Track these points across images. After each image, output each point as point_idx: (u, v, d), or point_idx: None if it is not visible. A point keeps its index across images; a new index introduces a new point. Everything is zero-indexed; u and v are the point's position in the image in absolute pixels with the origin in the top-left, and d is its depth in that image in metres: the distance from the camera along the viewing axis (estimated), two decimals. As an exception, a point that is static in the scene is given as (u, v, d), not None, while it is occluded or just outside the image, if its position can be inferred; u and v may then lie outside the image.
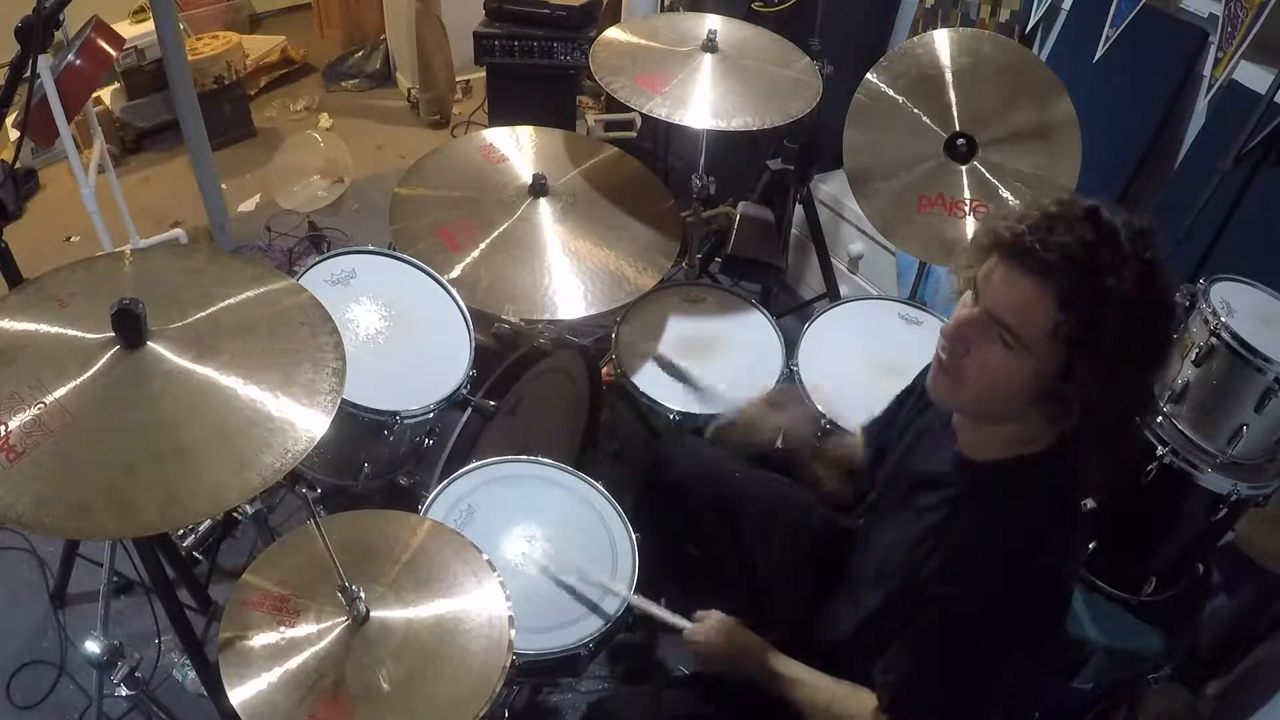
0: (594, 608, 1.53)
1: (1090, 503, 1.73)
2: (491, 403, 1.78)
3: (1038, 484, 1.17)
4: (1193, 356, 1.67)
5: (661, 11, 3.27)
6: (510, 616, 1.31)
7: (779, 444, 2.08)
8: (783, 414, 1.71)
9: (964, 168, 2.02)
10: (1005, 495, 1.17)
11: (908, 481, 1.32)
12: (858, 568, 1.40)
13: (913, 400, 1.45)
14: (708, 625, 1.43)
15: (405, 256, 1.91)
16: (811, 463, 1.67)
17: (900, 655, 1.20)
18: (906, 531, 1.26)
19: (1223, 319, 1.62)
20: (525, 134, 2.25)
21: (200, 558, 2.10)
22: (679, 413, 1.95)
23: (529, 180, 2.05)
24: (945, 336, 1.15)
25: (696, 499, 1.68)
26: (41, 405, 1.10)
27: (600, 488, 1.72)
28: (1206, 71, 2.25)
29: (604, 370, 2.16)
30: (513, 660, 1.27)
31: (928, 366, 1.43)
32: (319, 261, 1.86)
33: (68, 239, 3.32)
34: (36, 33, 1.57)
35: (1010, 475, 1.18)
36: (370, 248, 1.93)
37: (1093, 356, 1.04)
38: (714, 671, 1.43)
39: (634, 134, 2.46)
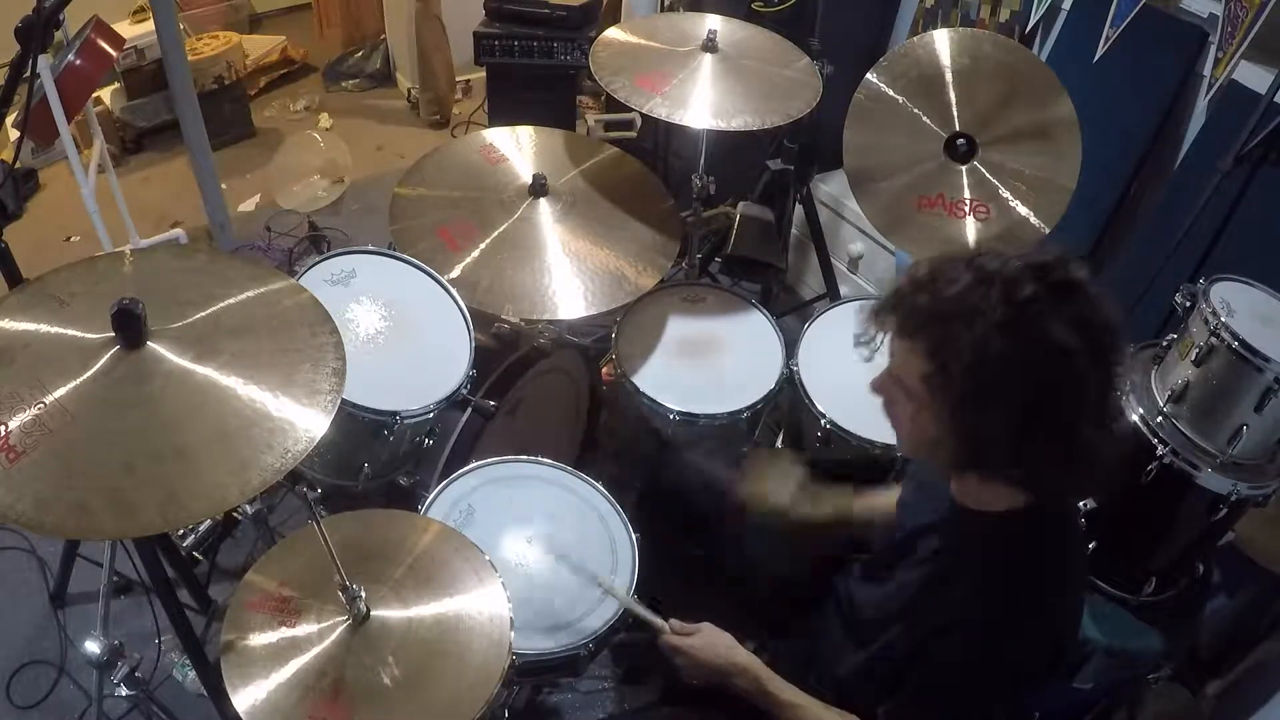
0: (594, 608, 1.53)
1: (1090, 503, 1.74)
2: (491, 403, 1.78)
3: (1033, 541, 1.17)
4: (1193, 356, 1.67)
5: (661, 11, 3.27)
6: (510, 619, 1.31)
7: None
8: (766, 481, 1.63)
9: (964, 168, 2.02)
10: (1003, 554, 1.17)
11: (910, 528, 1.33)
12: (859, 604, 1.40)
13: None
14: (699, 638, 1.41)
15: (405, 256, 1.91)
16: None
17: (901, 705, 1.22)
18: (906, 579, 1.27)
19: (1223, 319, 1.62)
20: (525, 134, 2.25)
21: (200, 558, 2.10)
22: (679, 413, 1.95)
23: (529, 180, 2.05)
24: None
25: (693, 512, 1.68)
26: (41, 405, 1.10)
27: (600, 488, 1.72)
28: (1206, 71, 2.25)
29: (604, 370, 2.16)
30: (513, 660, 1.27)
31: None
32: (319, 261, 1.86)
33: (68, 239, 3.32)
34: (36, 33, 1.57)
35: (1006, 532, 1.18)
36: (370, 248, 1.93)
37: (945, 402, 1.08)
38: (694, 682, 1.42)
39: (634, 134, 2.46)
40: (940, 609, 1.18)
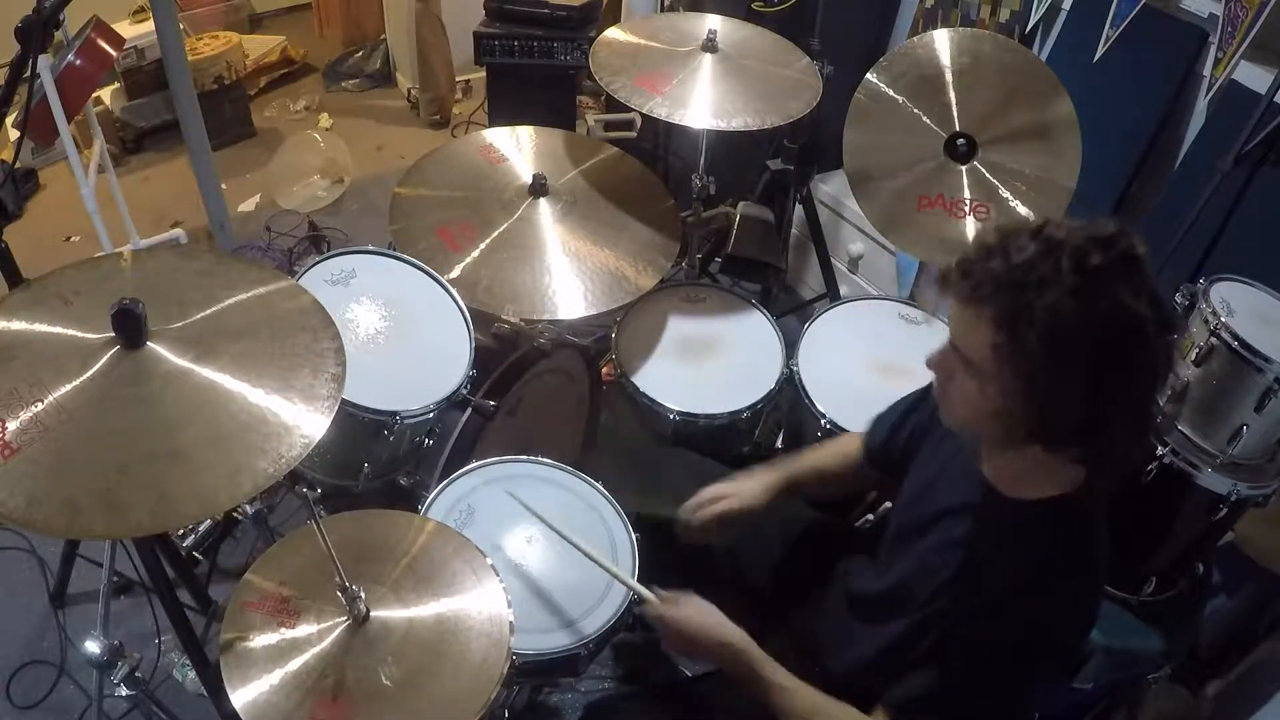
0: (594, 608, 1.53)
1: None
2: (491, 403, 1.78)
3: (1069, 529, 1.17)
4: (1193, 356, 1.67)
5: (661, 11, 3.27)
6: (510, 622, 1.31)
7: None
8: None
9: (964, 168, 2.02)
10: (1039, 542, 1.17)
11: (932, 510, 1.31)
12: (866, 590, 1.38)
13: (931, 418, 1.44)
14: (683, 609, 1.36)
15: (405, 256, 1.91)
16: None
17: (920, 688, 1.20)
18: (932, 563, 1.25)
19: (1223, 319, 1.62)
20: (525, 134, 2.24)
21: (200, 558, 2.10)
22: (679, 413, 1.95)
23: (529, 180, 2.05)
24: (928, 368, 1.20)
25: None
26: (40, 403, 1.10)
27: (600, 488, 1.72)
28: (1206, 71, 2.25)
29: (604, 370, 2.16)
30: (513, 660, 1.27)
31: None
32: (319, 261, 1.86)
33: (68, 239, 3.32)
34: (36, 33, 1.57)
35: (1042, 519, 1.17)
36: (370, 248, 1.93)
37: (1018, 372, 1.06)
38: (681, 653, 1.39)
39: (634, 134, 2.46)
40: (978, 597, 1.16)
